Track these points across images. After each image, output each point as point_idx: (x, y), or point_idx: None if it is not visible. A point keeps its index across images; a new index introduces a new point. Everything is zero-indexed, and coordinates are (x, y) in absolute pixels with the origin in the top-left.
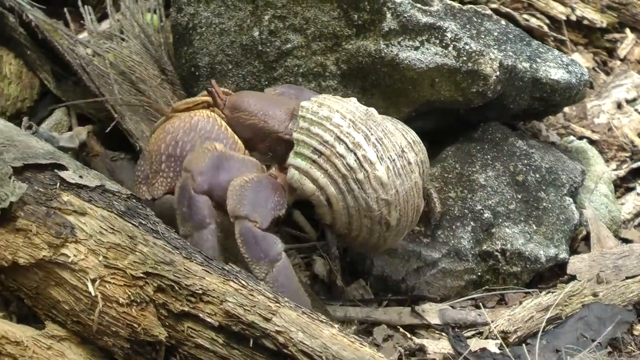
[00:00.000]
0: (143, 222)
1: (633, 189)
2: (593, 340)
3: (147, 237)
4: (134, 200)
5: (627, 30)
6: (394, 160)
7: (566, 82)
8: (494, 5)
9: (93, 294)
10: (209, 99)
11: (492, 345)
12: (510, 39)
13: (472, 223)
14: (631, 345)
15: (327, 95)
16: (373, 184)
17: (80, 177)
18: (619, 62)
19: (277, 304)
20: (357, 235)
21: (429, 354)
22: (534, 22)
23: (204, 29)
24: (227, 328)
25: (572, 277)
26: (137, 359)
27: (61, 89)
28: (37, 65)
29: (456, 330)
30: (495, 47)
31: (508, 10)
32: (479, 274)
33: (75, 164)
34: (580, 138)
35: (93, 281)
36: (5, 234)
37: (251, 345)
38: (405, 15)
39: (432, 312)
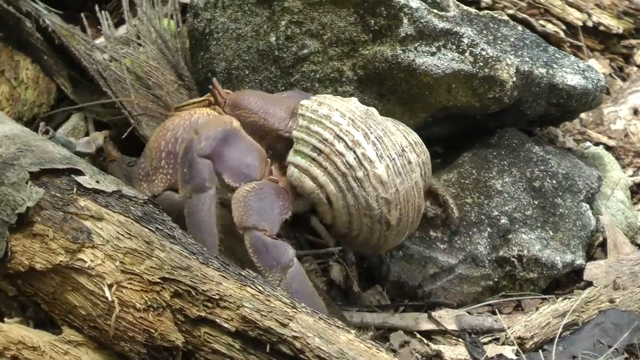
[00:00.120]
0: (160, 227)
1: None
2: (609, 347)
3: (163, 243)
4: (151, 206)
5: None
6: (393, 159)
7: (583, 88)
8: (510, 11)
9: (110, 299)
10: (210, 97)
11: (509, 351)
12: (527, 45)
13: (488, 229)
14: None
15: (328, 95)
16: (373, 182)
17: (97, 182)
18: (635, 68)
19: (294, 310)
20: (358, 234)
21: (446, 359)
22: (550, 28)
23: (220, 34)
24: (243, 333)
25: (589, 284)
26: None
27: (78, 94)
28: (54, 71)
29: (473, 336)
30: (512, 52)
31: (524, 16)
32: (496, 280)
33: (92, 169)
34: (597, 144)
35: (110, 286)
36: (22, 239)
37: (268, 350)
38: (422, 20)
39: (448, 318)
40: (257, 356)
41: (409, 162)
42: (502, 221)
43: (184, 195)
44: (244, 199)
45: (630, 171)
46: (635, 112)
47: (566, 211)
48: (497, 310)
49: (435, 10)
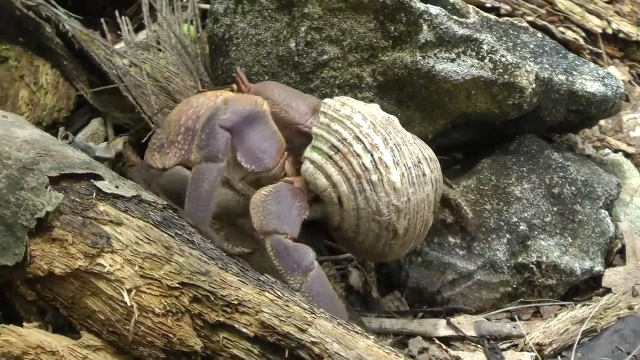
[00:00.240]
0: (179, 233)
1: None
2: (628, 354)
3: (182, 248)
4: (170, 211)
5: None
6: (409, 167)
7: (602, 94)
8: (530, 18)
9: (129, 304)
10: (234, 87)
11: (528, 358)
12: (547, 52)
13: (507, 235)
14: None
15: (351, 98)
16: (386, 187)
17: (117, 187)
18: None
19: (313, 315)
20: (364, 240)
21: None
22: (569, 35)
23: (240, 40)
24: (262, 339)
25: (608, 290)
26: None
27: (97, 99)
28: (74, 76)
29: (491, 342)
30: (531, 59)
31: (544, 23)
32: (515, 286)
33: (112, 174)
34: (616, 151)
35: (129, 291)
36: (41, 244)
37: (286, 356)
38: (442, 27)
39: (467, 324)
40: None
41: (424, 174)
42: (521, 227)
43: (195, 159)
44: (262, 204)
45: None
46: None
47: (585, 218)
48: (515, 316)
49: (455, 17)
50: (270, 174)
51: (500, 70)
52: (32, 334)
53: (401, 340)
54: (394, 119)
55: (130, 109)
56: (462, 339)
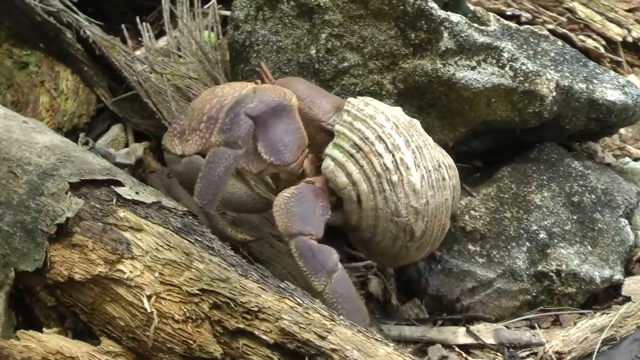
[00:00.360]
0: (199, 239)
1: None
2: None
3: (202, 254)
4: (190, 217)
5: None
6: (429, 170)
7: (622, 103)
8: (550, 26)
9: (149, 310)
10: (257, 82)
11: None
12: (567, 60)
13: (527, 243)
14: None
15: (375, 99)
16: (406, 188)
17: (137, 193)
18: None
19: (333, 322)
20: (380, 241)
21: None
22: (590, 43)
23: (261, 46)
24: (282, 345)
25: (627, 299)
26: None
27: (118, 105)
28: (94, 81)
29: (511, 350)
30: (551, 67)
31: (564, 31)
32: (534, 294)
33: (132, 180)
34: (636, 159)
35: (149, 297)
36: (61, 250)
37: None
38: (462, 35)
39: (487, 332)
40: None
41: (443, 179)
42: (541, 236)
43: (215, 141)
44: (285, 206)
45: None
46: None
47: (605, 226)
48: (535, 324)
49: (476, 25)
50: (289, 169)
51: (521, 79)
52: (51, 339)
53: (421, 347)
54: (416, 122)
55: (151, 115)
56: (482, 347)
